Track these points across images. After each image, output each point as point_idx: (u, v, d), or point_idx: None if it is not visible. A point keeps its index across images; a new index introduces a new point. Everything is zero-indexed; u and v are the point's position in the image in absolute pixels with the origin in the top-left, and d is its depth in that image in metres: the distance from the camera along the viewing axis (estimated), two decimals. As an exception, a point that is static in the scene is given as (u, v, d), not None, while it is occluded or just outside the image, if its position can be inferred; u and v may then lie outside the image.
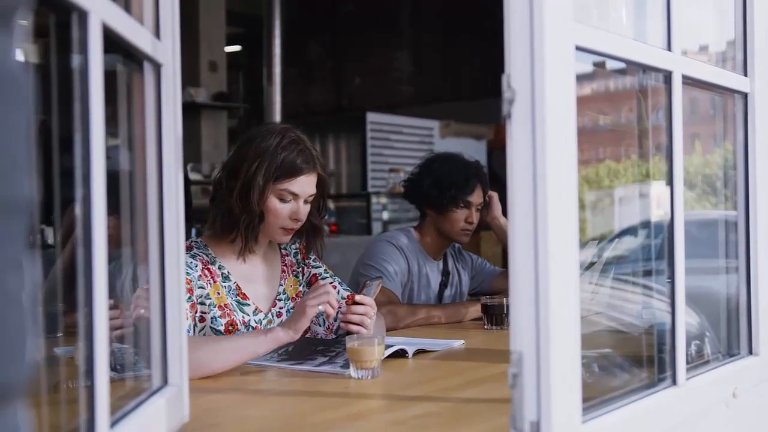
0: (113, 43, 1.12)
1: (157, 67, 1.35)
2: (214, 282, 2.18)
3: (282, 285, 2.34)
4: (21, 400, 0.55)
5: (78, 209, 1.03)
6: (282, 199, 2.18)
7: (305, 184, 2.20)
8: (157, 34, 1.35)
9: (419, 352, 2.17)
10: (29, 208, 0.56)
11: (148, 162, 1.36)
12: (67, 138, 1.04)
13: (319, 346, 2.12)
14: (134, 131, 1.37)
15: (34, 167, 0.57)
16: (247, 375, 1.93)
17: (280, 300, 2.32)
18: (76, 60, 1.02)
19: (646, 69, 1.57)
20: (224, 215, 2.19)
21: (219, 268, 2.21)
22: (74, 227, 1.06)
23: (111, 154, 1.11)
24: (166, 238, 1.38)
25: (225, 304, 2.17)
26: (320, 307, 1.98)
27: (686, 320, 1.56)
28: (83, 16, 1.00)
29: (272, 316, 2.28)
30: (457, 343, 2.33)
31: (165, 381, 1.37)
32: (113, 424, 1.10)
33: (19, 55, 0.56)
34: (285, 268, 2.37)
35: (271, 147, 2.16)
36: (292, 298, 2.34)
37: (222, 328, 2.14)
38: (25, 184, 0.55)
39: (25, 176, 0.55)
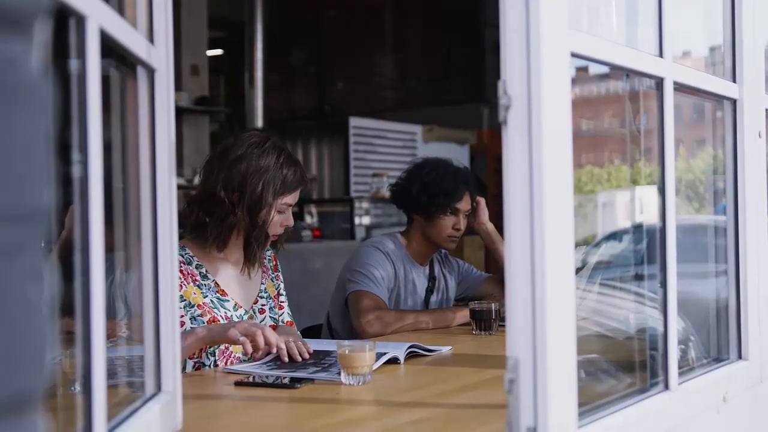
0: (108, 47, 1.11)
1: (150, 72, 1.34)
2: (188, 283, 2.23)
3: (263, 284, 2.43)
4: (40, 408, 0.55)
5: (75, 214, 1.02)
6: (279, 212, 2.30)
7: (298, 195, 2.35)
8: (150, 39, 1.34)
9: (411, 356, 2.17)
10: (47, 217, 0.56)
11: (141, 167, 1.35)
12: (63, 143, 1.03)
13: (310, 359, 2.11)
14: (127, 136, 1.36)
15: (53, 175, 0.57)
16: (239, 383, 1.91)
17: (262, 297, 2.40)
18: (72, 65, 1.01)
19: (638, 75, 1.58)
20: (229, 230, 2.26)
21: (196, 268, 2.27)
22: (66, 231, 1.05)
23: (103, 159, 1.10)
24: (159, 243, 1.37)
25: (203, 303, 2.23)
26: (242, 338, 1.97)
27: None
28: (81, 20, 0.99)
29: (254, 312, 2.36)
30: (446, 349, 2.34)
31: (158, 388, 1.36)
32: (109, 431, 1.09)
33: (39, 62, 0.55)
34: (265, 268, 2.46)
35: (271, 165, 2.26)
36: (273, 297, 2.45)
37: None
38: (44, 193, 0.55)
39: (44, 184, 0.55)
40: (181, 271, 2.20)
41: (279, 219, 2.30)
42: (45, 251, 0.57)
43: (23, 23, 0.53)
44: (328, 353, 2.17)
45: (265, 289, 2.43)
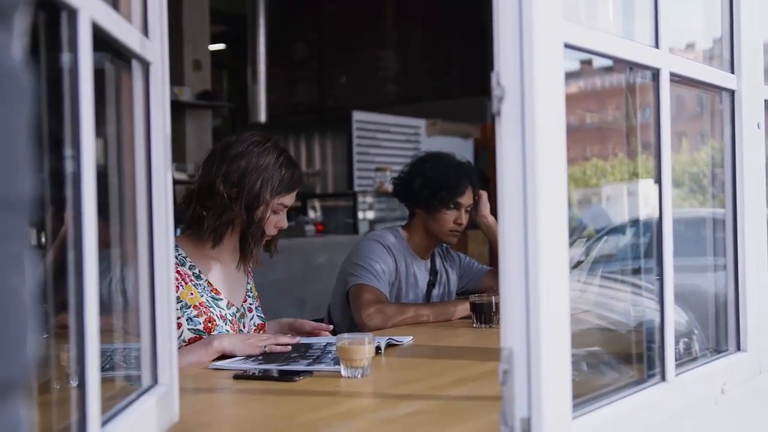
0: (101, 41, 1.11)
1: (145, 65, 1.34)
2: (186, 283, 2.26)
3: (249, 284, 2.47)
4: (22, 396, 0.55)
5: (68, 210, 1.02)
6: (275, 212, 2.32)
7: (294, 197, 2.37)
8: (145, 32, 1.35)
9: (408, 348, 2.21)
10: (29, 206, 0.56)
11: (136, 162, 1.35)
12: (55, 137, 1.03)
13: (293, 353, 2.12)
14: (122, 130, 1.36)
15: (34, 165, 0.57)
16: (237, 376, 1.92)
17: (249, 297, 2.45)
18: (65, 58, 1.02)
19: (634, 66, 1.58)
20: (225, 225, 2.28)
21: (189, 268, 2.29)
22: (65, 227, 1.06)
23: (97, 153, 1.10)
24: (155, 238, 1.37)
25: (200, 303, 2.26)
26: (266, 348, 2.13)
27: (674, 318, 1.57)
28: (73, 14, 0.99)
29: (244, 310, 2.41)
30: (407, 339, 2.37)
31: (155, 380, 1.37)
32: (104, 423, 1.09)
33: (19, 53, 0.56)
34: (249, 270, 2.50)
35: (270, 164, 2.28)
36: (256, 297, 2.49)
37: (201, 327, 2.24)
38: (25, 182, 0.55)
39: (27, 173, 0.55)
40: (178, 272, 2.22)
41: (274, 219, 2.32)
42: (28, 240, 0.57)
43: (3, 14, 0.54)
44: (309, 346, 2.19)
45: (251, 289, 2.48)
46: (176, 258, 2.26)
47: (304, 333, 2.42)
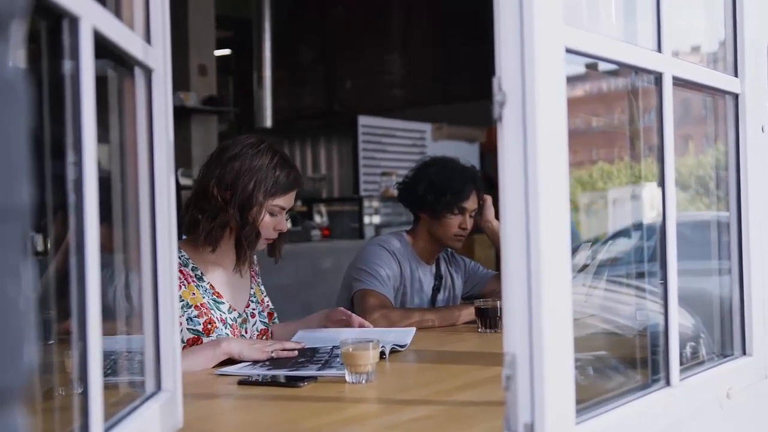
0: (104, 48, 1.12)
1: (148, 72, 1.35)
2: (188, 283, 2.26)
3: (252, 289, 2.46)
4: (19, 405, 0.55)
5: (70, 216, 1.02)
6: (271, 214, 2.31)
7: (292, 199, 2.35)
8: (147, 39, 1.35)
9: (393, 352, 2.21)
10: (27, 215, 0.56)
11: (139, 168, 1.35)
12: (57, 144, 1.03)
13: (300, 358, 2.12)
14: (125, 137, 1.36)
15: (31, 173, 0.57)
16: (242, 382, 1.92)
17: (252, 302, 2.44)
18: (66, 66, 1.02)
19: (636, 70, 1.57)
20: (220, 228, 2.27)
21: (192, 270, 2.30)
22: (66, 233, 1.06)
23: (101, 160, 1.11)
24: (158, 244, 1.37)
25: (201, 304, 2.26)
26: (273, 354, 2.12)
27: (681, 322, 1.56)
28: (74, 21, 0.99)
29: (247, 315, 2.40)
30: (410, 334, 2.37)
31: (158, 387, 1.37)
32: (107, 429, 1.09)
33: (16, 62, 0.56)
34: (253, 274, 2.49)
35: (264, 165, 2.27)
36: (260, 301, 2.48)
37: (200, 327, 2.24)
38: (23, 191, 0.55)
39: (23, 182, 0.55)
40: (180, 272, 2.22)
41: (271, 222, 2.30)
42: (26, 249, 0.58)
43: (0, 24, 0.54)
44: (316, 350, 2.19)
45: (254, 293, 2.47)
46: (179, 259, 2.26)
47: (341, 323, 2.44)
